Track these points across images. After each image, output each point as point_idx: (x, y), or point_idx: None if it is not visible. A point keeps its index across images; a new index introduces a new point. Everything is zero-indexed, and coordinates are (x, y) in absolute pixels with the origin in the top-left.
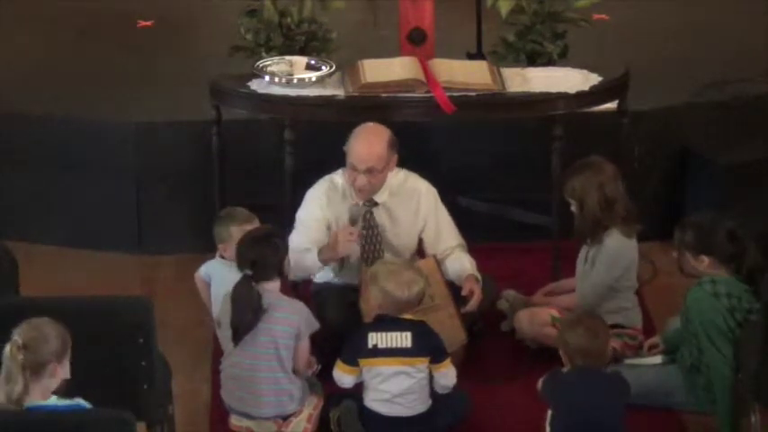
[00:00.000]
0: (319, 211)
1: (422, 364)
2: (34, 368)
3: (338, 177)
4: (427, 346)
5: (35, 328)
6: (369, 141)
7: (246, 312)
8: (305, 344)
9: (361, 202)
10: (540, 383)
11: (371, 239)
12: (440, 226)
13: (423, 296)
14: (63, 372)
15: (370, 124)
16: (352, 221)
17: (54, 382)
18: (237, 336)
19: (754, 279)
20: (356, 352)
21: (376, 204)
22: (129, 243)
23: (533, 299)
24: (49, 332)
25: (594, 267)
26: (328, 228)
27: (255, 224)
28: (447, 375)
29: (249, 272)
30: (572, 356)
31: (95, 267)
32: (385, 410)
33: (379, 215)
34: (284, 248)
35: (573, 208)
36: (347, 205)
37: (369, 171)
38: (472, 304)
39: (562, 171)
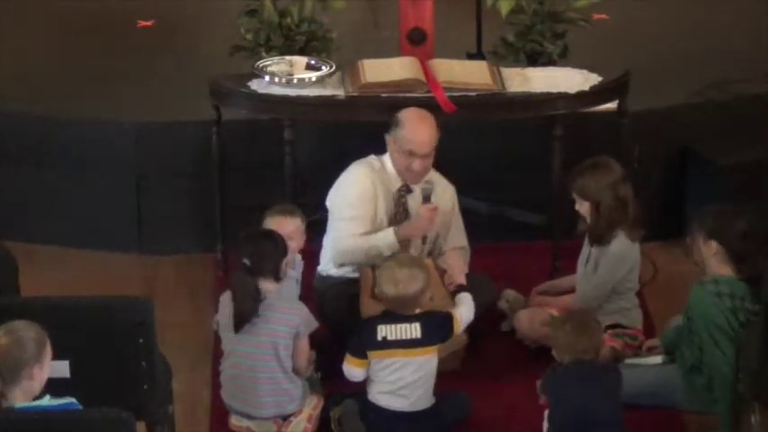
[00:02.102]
0: (370, 191)
1: (431, 353)
2: (8, 374)
3: (374, 161)
4: (436, 334)
5: (9, 333)
6: (427, 125)
7: (246, 299)
8: (304, 342)
9: (397, 186)
10: (539, 381)
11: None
12: (453, 225)
13: (420, 296)
14: (44, 373)
15: (416, 109)
16: (426, 199)
17: (35, 384)
18: (239, 324)
19: (756, 281)
20: (365, 344)
21: (411, 191)
22: (129, 243)
23: (530, 301)
24: (24, 336)
25: (598, 269)
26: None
27: (295, 220)
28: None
29: (247, 262)
30: (561, 353)
31: (95, 267)
32: (389, 403)
33: (412, 203)
34: (284, 251)
35: (578, 207)
36: (384, 191)
37: (427, 154)
38: (446, 278)
39: (570, 170)
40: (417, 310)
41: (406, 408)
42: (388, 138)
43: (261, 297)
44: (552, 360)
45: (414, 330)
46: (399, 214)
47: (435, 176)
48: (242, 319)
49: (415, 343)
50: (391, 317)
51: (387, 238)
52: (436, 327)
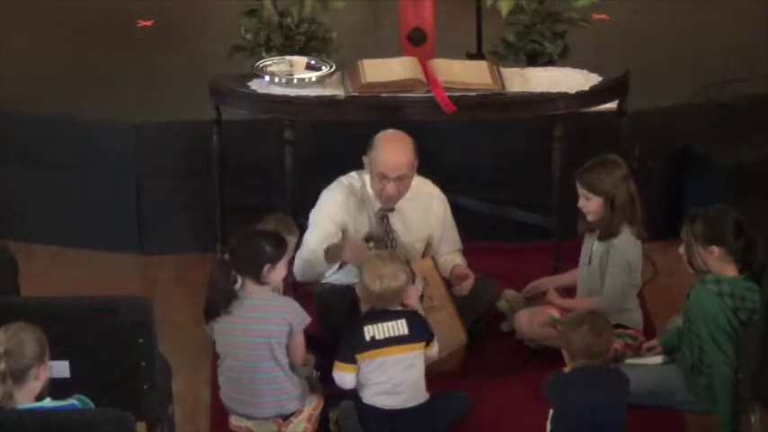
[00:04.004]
0: (337, 215)
1: (419, 350)
2: (17, 374)
3: (355, 182)
4: (422, 331)
5: (13, 334)
6: (398, 149)
7: (214, 293)
8: (299, 338)
9: (377, 207)
10: (544, 385)
11: (387, 244)
12: (446, 233)
13: (403, 290)
14: (45, 373)
15: (392, 131)
16: (368, 239)
17: (39, 385)
18: (208, 316)
19: (762, 278)
20: (353, 348)
21: (392, 209)
22: (129, 243)
23: (547, 296)
24: (27, 336)
25: (609, 269)
26: (344, 231)
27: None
28: (432, 355)
29: (226, 257)
30: (575, 356)
31: (95, 267)
32: (385, 403)
33: (395, 221)
34: (269, 256)
35: (583, 204)
36: (365, 211)
37: (399, 178)
38: (465, 285)
39: (571, 169)
40: (399, 307)
41: (401, 405)
42: (366, 160)
43: (232, 294)
44: (551, 360)
45: (401, 327)
46: (383, 234)
47: (426, 186)
48: (210, 312)
49: (403, 339)
50: (376, 316)
51: (321, 259)
52: (420, 324)
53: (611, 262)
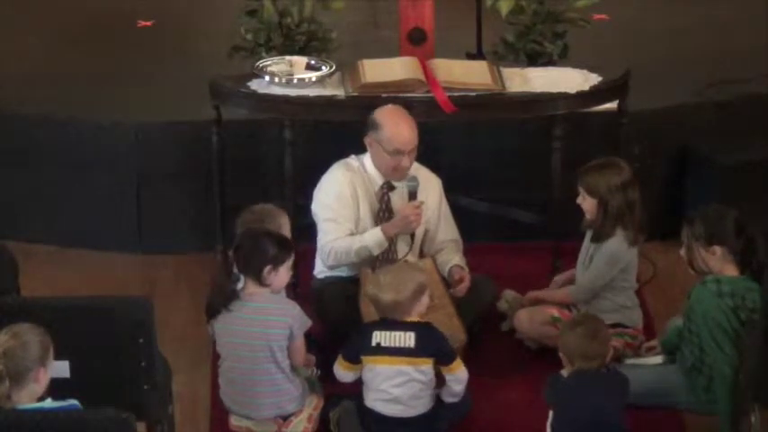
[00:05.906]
0: (348, 192)
1: (425, 365)
2: (15, 376)
3: (353, 161)
4: (431, 347)
5: (15, 335)
6: (408, 123)
7: (217, 290)
8: (299, 342)
9: (378, 186)
10: (544, 387)
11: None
12: (442, 218)
13: (414, 300)
14: (48, 375)
15: (392, 107)
16: (412, 196)
17: (40, 387)
18: (209, 314)
19: (762, 277)
20: (359, 349)
21: (393, 188)
22: (129, 243)
23: (525, 299)
24: (30, 339)
25: (591, 265)
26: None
27: (284, 221)
28: (458, 378)
29: (230, 255)
30: (571, 358)
31: (95, 267)
32: (386, 410)
33: (395, 200)
34: (271, 258)
35: (580, 201)
36: (366, 190)
37: (413, 150)
38: (461, 288)
39: (571, 169)
40: (415, 318)
41: (403, 413)
42: (368, 140)
43: (233, 293)
44: (551, 360)
45: (408, 339)
46: (383, 212)
47: (421, 171)
48: (211, 310)
49: (406, 352)
50: (388, 324)
51: (375, 236)
52: (431, 339)
53: (595, 259)
